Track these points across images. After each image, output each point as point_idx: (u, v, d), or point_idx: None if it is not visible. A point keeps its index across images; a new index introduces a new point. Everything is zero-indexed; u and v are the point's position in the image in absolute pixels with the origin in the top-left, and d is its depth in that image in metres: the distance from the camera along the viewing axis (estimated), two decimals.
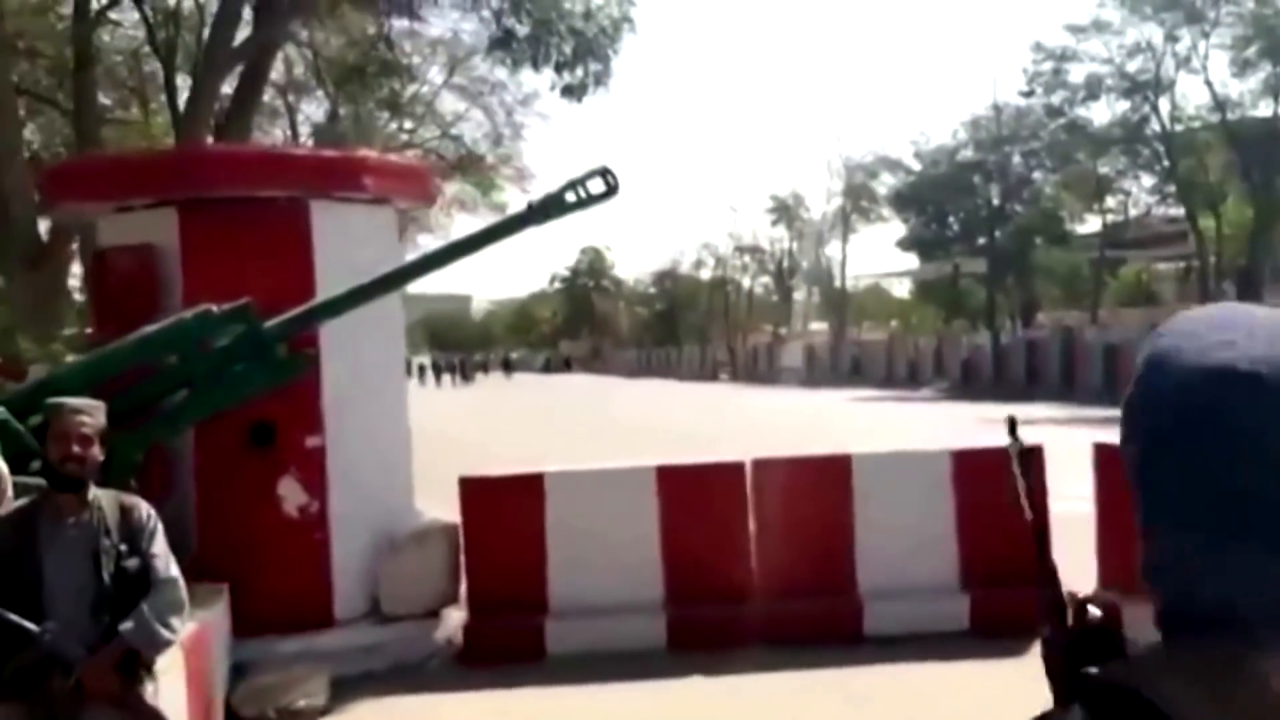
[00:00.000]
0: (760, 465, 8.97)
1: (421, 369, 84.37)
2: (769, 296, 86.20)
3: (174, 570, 4.56)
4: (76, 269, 21.29)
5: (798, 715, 7.45)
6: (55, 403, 4.45)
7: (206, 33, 20.71)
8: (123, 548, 4.38)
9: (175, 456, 8.30)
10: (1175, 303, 52.63)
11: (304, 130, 36.35)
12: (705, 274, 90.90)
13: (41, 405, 4.54)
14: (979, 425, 25.91)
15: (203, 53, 19.29)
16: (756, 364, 71.79)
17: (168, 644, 4.50)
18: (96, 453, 4.35)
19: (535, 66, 22.32)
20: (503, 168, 38.04)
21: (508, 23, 21.88)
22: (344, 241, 8.64)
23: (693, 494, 8.99)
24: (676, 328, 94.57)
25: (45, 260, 14.95)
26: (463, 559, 9.02)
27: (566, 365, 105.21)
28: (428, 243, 43.86)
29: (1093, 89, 42.44)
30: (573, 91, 22.17)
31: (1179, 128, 41.62)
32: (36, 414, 4.83)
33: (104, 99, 29.08)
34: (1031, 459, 1.48)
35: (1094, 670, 1.09)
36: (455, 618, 9.13)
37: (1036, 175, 51.82)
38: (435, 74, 36.40)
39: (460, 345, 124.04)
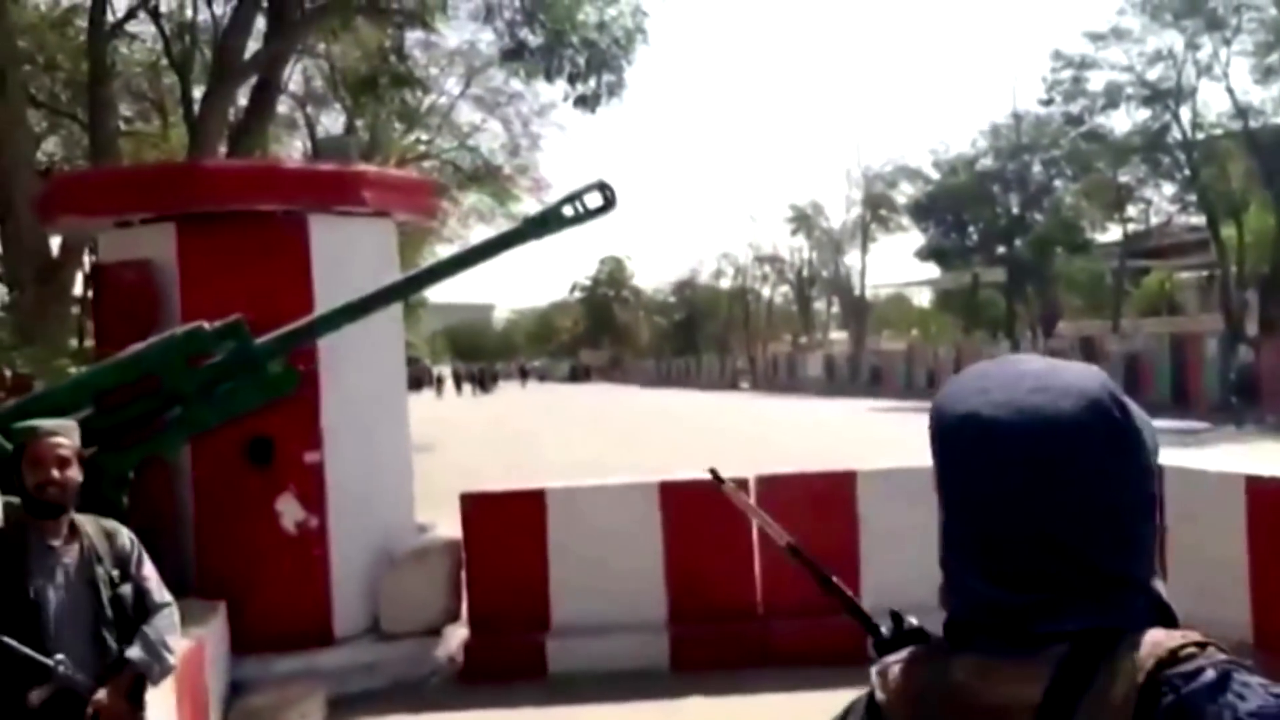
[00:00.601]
0: (765, 481, 8.85)
1: (439, 379, 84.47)
2: (788, 306, 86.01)
3: (167, 594, 4.51)
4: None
5: None
6: (28, 427, 4.35)
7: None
8: (114, 574, 4.31)
9: (174, 472, 8.26)
10: (1198, 312, 52.34)
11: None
12: (725, 283, 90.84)
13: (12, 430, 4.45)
14: None
15: (214, 64, 19.28)
16: (776, 373, 71.65)
17: (172, 669, 4.47)
18: (75, 474, 4.26)
19: (549, 77, 22.27)
20: (520, 178, 38.10)
21: (521, 34, 21.83)
22: (343, 255, 8.58)
23: (696, 510, 8.86)
24: (696, 337, 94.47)
25: (54, 275, 14.94)
26: (464, 576, 8.94)
27: (586, 374, 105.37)
28: (445, 254, 43.98)
29: (1113, 97, 42.08)
30: (586, 102, 22.09)
31: (1200, 136, 41.20)
32: None
33: (125, 111, 29.28)
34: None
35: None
36: (457, 635, 9.05)
37: (1057, 184, 51.46)
38: (452, 85, 36.55)
39: (482, 354, 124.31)
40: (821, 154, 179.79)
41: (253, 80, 19.59)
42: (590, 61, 21.73)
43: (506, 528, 8.86)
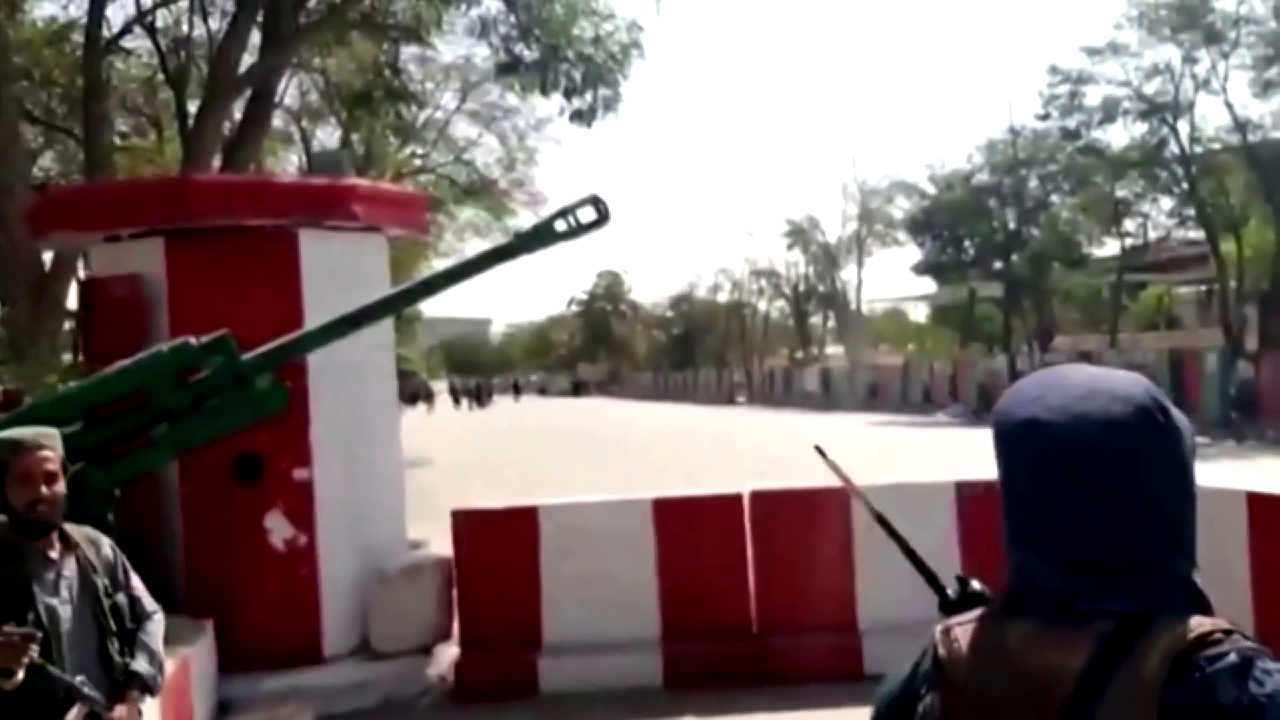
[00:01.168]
0: (759, 497, 8.76)
1: (431, 394, 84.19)
2: (785, 321, 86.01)
3: (153, 601, 4.44)
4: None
5: None
6: (9, 440, 4.19)
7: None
8: (106, 583, 4.23)
9: (162, 489, 8.17)
10: (1196, 327, 52.30)
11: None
12: (722, 298, 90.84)
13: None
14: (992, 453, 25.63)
15: (209, 78, 19.23)
16: (773, 388, 71.54)
17: (166, 677, 4.42)
18: (62, 488, 4.15)
19: (544, 92, 22.24)
20: (516, 193, 38.05)
21: (516, 49, 21.80)
22: (333, 270, 8.49)
23: (690, 527, 8.78)
24: (693, 351, 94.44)
25: (46, 289, 14.86)
26: (455, 593, 8.84)
27: (586, 389, 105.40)
28: (440, 268, 43.88)
29: (1110, 111, 42.06)
30: (582, 117, 22.08)
31: (1198, 150, 41.19)
32: None
33: (121, 127, 29.24)
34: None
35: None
36: (449, 654, 8.95)
37: (1054, 199, 51.48)
38: (449, 100, 36.54)
39: (479, 369, 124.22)
40: (818, 169, 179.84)
41: (247, 94, 19.54)
42: (586, 76, 21.71)
43: (498, 544, 8.75)
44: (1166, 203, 47.04)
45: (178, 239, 8.35)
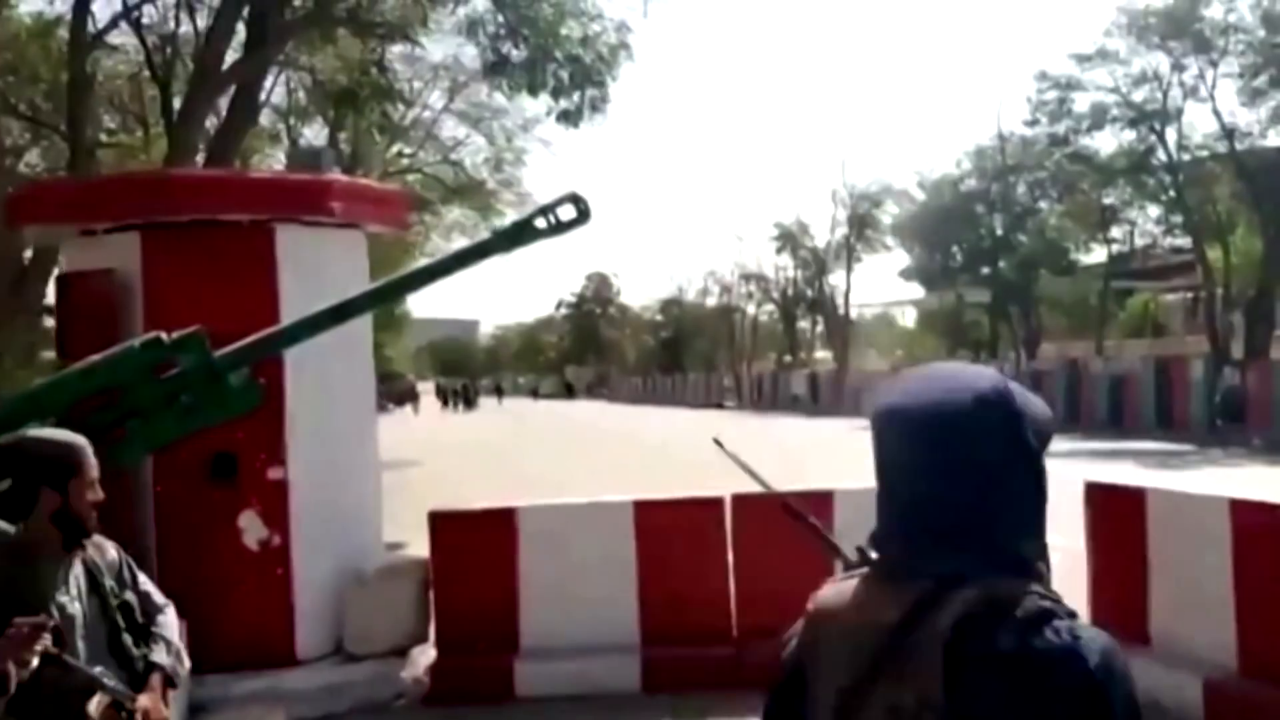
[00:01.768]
0: (740, 501, 8.65)
1: (417, 395, 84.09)
2: (774, 325, 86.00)
3: (162, 595, 4.37)
4: None
5: None
6: (78, 443, 4.07)
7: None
8: (113, 585, 4.17)
9: (135, 488, 8.04)
10: (1183, 334, 52.36)
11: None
12: (711, 302, 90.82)
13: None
14: None
15: (194, 73, 19.10)
16: (761, 392, 71.46)
17: (188, 670, 4.36)
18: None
19: (532, 92, 22.13)
20: (503, 193, 37.90)
21: (503, 48, 21.69)
22: (310, 266, 8.38)
23: (671, 530, 8.67)
24: (682, 355, 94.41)
25: (26, 285, 14.71)
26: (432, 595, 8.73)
27: (573, 391, 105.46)
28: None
29: (1098, 118, 42.09)
30: (569, 117, 21.97)
31: (1186, 157, 41.26)
32: None
33: (109, 123, 29.07)
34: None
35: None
36: (426, 657, 8.83)
37: (1041, 205, 51.51)
38: (437, 99, 36.42)
39: (467, 371, 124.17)
40: (807, 173, 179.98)
41: (232, 90, 19.41)
42: (573, 76, 21.60)
43: (476, 547, 8.64)
44: (1154, 210, 47.13)
45: (154, 233, 8.23)
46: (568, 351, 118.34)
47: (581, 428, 43.74)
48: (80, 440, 4.04)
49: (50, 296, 19.87)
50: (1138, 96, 40.97)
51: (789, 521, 2.21)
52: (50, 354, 17.44)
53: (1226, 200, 41.41)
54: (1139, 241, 52.88)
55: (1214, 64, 38.70)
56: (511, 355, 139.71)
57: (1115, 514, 8.16)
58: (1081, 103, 42.64)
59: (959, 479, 1.60)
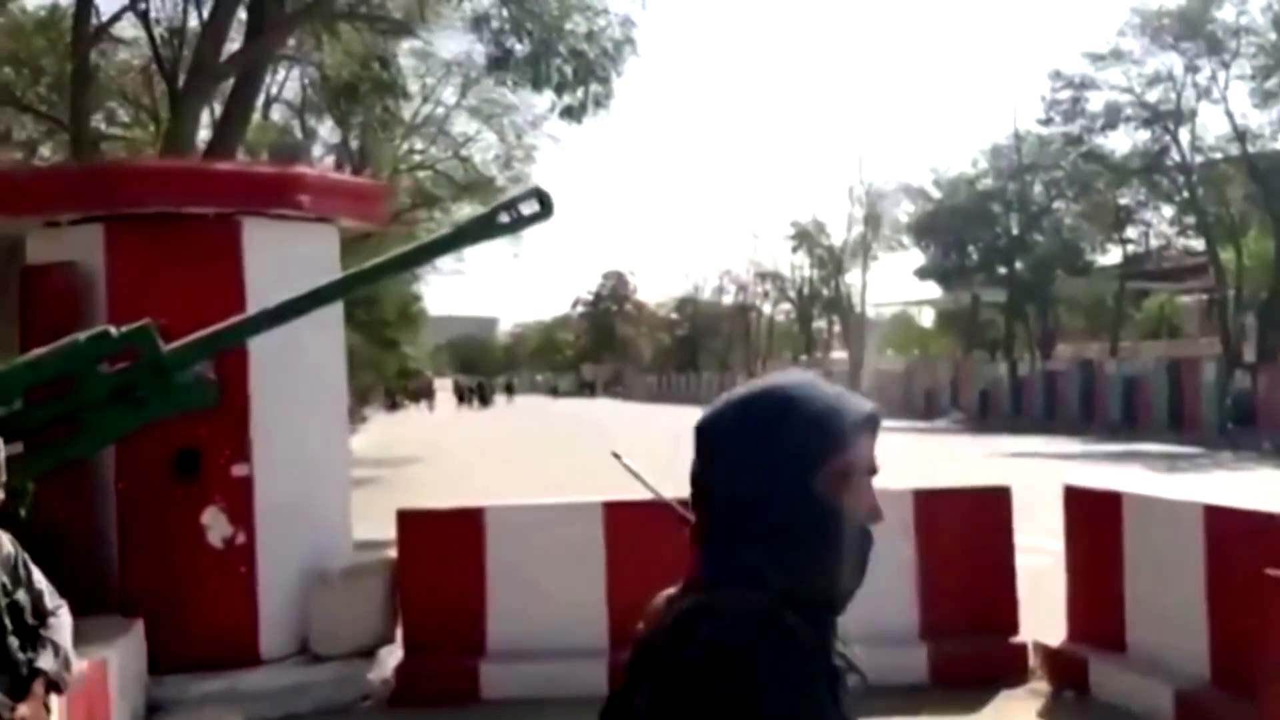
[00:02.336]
0: None
1: (432, 392, 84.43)
2: (790, 324, 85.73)
3: (58, 597, 4.28)
4: None
5: None
6: None
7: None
8: (5, 581, 4.06)
9: (96, 484, 7.94)
10: (1198, 336, 51.97)
11: (317, 151, 36.24)
12: (727, 300, 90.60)
13: None
14: (988, 460, 25.38)
15: (192, 64, 19.01)
16: None
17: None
18: None
19: (535, 87, 22.00)
20: (513, 190, 37.71)
21: (508, 43, 21.56)
22: (278, 261, 8.24)
23: (641, 532, 8.49)
24: (698, 354, 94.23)
25: (8, 277, 14.59)
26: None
27: (593, 389, 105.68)
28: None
29: (1112, 118, 41.79)
30: (572, 113, 21.83)
31: (1199, 159, 40.95)
32: None
33: (122, 116, 29.03)
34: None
35: None
36: (396, 658, 8.71)
37: (1057, 205, 51.13)
38: (449, 95, 36.29)
39: (485, 368, 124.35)
40: (824, 171, 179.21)
41: (231, 83, 19.32)
42: (577, 71, 21.46)
43: (443, 547, 8.51)
44: (1167, 210, 46.79)
45: (117, 225, 8.12)
46: (584, 349, 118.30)
47: (590, 426, 43.64)
48: None
49: None
50: (1151, 96, 40.68)
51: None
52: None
53: (1239, 202, 41.07)
54: (1154, 242, 52.48)
55: (1226, 65, 38.40)
56: (529, 353, 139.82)
57: (1092, 517, 7.99)
58: (1095, 102, 42.40)
59: (722, 484, 1.63)
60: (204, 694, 7.88)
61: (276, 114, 33.27)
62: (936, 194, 56.97)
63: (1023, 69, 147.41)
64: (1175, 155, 41.04)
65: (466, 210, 39.09)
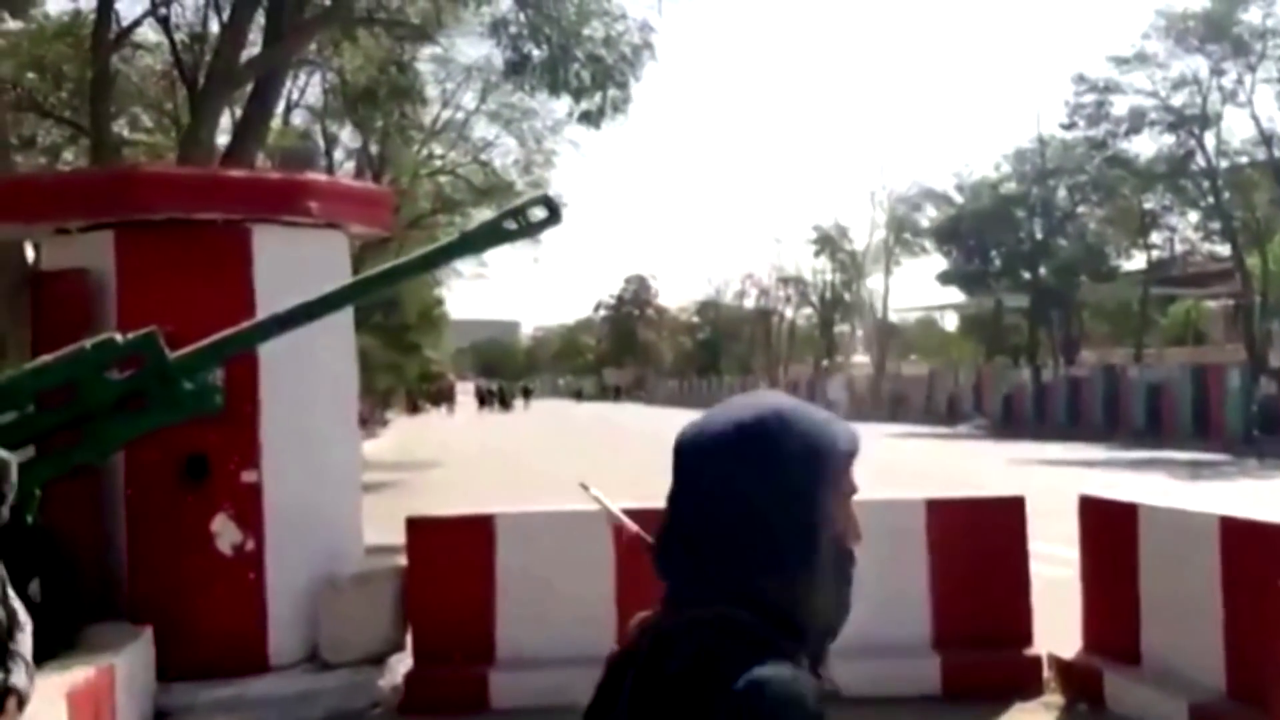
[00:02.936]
0: None
1: (454, 395, 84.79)
2: (812, 329, 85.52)
3: (25, 613, 4.26)
4: None
5: None
6: None
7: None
8: None
9: (106, 491, 7.94)
10: (1223, 342, 51.58)
11: (338, 156, 36.36)
12: (748, 304, 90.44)
13: None
14: (1010, 467, 25.20)
15: (209, 69, 19.05)
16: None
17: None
18: None
19: (553, 92, 21.97)
20: (532, 195, 37.74)
21: (525, 47, 21.53)
22: (288, 267, 8.24)
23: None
24: (719, 358, 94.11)
25: (26, 285, 14.60)
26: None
27: (616, 393, 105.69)
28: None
29: (1136, 122, 41.49)
30: (590, 118, 21.77)
31: (1225, 163, 40.62)
32: None
33: (146, 122, 29.14)
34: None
35: None
36: (406, 665, 8.67)
37: (1081, 210, 50.78)
38: (469, 100, 36.37)
39: (507, 372, 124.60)
40: (846, 176, 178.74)
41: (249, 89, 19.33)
42: (595, 77, 21.39)
43: (453, 554, 8.47)
44: (1193, 215, 46.41)
45: (127, 232, 8.12)
46: (605, 353, 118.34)
47: (616, 431, 43.60)
48: None
49: None
50: (1176, 100, 40.37)
51: None
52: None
53: (1265, 207, 40.74)
54: (1179, 248, 52.07)
55: (1252, 69, 38.07)
56: (551, 356, 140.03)
57: (1107, 529, 7.90)
58: (1120, 106, 42.08)
59: (708, 508, 1.57)
60: (213, 701, 7.87)
61: (298, 119, 33.41)
62: (959, 198, 56.74)
63: (1046, 72, 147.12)
64: (1200, 160, 40.70)
65: (486, 215, 39.24)
